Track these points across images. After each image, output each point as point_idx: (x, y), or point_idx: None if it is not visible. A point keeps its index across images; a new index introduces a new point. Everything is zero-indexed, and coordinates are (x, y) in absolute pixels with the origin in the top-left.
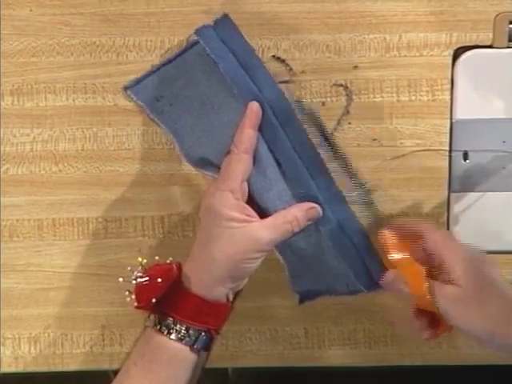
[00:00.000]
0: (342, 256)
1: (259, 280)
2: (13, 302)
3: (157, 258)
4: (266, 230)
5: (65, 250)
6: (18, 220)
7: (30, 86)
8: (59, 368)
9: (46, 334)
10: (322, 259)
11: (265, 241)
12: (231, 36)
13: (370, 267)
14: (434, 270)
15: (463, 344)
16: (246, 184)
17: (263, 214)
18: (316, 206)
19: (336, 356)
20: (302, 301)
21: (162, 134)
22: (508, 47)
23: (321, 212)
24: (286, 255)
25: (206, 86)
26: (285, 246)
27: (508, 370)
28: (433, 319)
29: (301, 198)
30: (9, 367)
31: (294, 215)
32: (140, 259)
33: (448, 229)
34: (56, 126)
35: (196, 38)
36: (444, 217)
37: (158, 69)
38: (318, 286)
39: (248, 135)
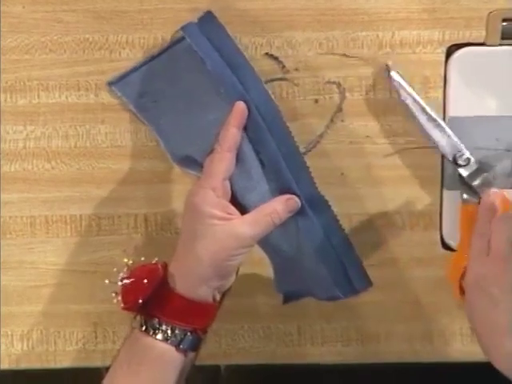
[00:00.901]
0: (322, 261)
1: (252, 277)
2: (5, 299)
3: (142, 258)
4: (246, 226)
5: (57, 247)
6: (10, 217)
7: (22, 83)
8: (52, 365)
9: (39, 331)
10: (303, 263)
11: (246, 236)
12: (216, 33)
13: (349, 273)
14: None
15: (456, 341)
16: (228, 182)
17: (245, 212)
18: (294, 197)
19: (329, 353)
20: (285, 301)
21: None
22: (501, 45)
23: (299, 203)
24: (271, 256)
25: (190, 84)
26: (269, 247)
27: None
28: None
29: None
30: (2, 364)
31: (273, 207)
32: (126, 260)
33: (440, 226)
34: (49, 123)
35: (181, 34)
36: (437, 214)
37: (142, 65)
38: (299, 288)
39: (232, 134)
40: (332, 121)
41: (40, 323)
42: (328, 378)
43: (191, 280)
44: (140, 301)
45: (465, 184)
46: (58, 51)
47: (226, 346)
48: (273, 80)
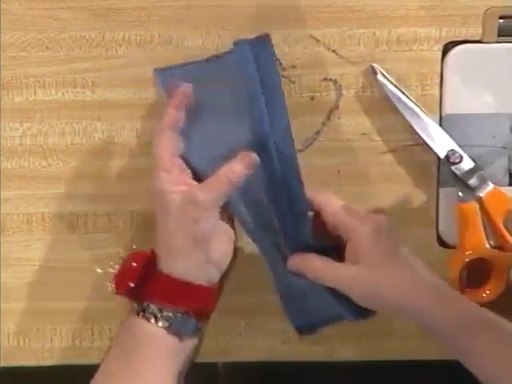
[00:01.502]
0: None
1: (250, 275)
2: (2, 296)
3: (134, 246)
4: (204, 191)
5: (54, 244)
6: (8, 214)
7: (19, 81)
8: (48, 362)
9: (35, 329)
10: (312, 286)
11: (204, 200)
12: (266, 58)
13: None
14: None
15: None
16: (178, 159)
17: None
18: (250, 153)
19: (326, 351)
20: (301, 333)
21: (152, 129)
22: (497, 42)
23: (257, 158)
24: (280, 287)
25: (222, 97)
26: (279, 275)
27: None
28: None
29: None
30: None
31: (229, 167)
32: (118, 250)
33: (437, 224)
34: (45, 120)
35: (233, 49)
36: (433, 211)
37: (190, 64)
38: (315, 316)
39: (170, 114)
40: (328, 118)
41: (36, 320)
42: (325, 376)
43: (174, 258)
44: (131, 284)
45: (460, 182)
46: (55, 48)
47: (223, 344)
48: None
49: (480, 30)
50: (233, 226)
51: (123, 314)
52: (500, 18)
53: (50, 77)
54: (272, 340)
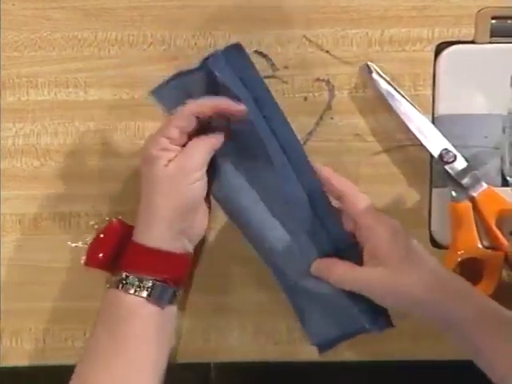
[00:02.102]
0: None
1: (242, 274)
2: None
3: (106, 218)
4: (188, 156)
5: (46, 244)
6: (0, 214)
7: (11, 81)
8: (41, 362)
9: (28, 329)
10: (319, 293)
11: (193, 165)
12: (243, 65)
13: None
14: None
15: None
16: (185, 137)
17: None
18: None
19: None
20: (321, 351)
21: (145, 129)
22: (490, 43)
23: (240, 107)
24: (296, 302)
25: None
26: (291, 289)
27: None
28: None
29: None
30: None
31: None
32: (92, 223)
33: (429, 224)
34: (38, 120)
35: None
36: (425, 212)
37: (182, 74)
38: (333, 330)
39: (212, 105)
40: (321, 118)
41: (29, 320)
42: (318, 376)
43: (154, 227)
44: (100, 255)
45: (454, 181)
46: (47, 48)
47: (215, 344)
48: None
49: (472, 31)
50: (208, 201)
51: None
52: (492, 18)
53: (42, 77)
54: (265, 340)
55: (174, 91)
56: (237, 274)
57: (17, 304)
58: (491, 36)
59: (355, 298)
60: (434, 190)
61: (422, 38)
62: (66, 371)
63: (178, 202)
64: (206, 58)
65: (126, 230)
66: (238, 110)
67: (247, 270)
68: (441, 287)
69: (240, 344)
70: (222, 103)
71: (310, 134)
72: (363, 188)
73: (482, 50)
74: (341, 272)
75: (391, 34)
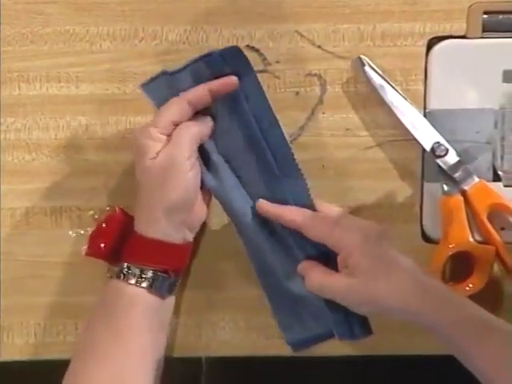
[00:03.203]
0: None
1: (233, 269)
2: None
3: (107, 208)
4: (179, 146)
5: (38, 239)
6: None
7: (3, 75)
8: (32, 357)
9: (20, 323)
10: (307, 299)
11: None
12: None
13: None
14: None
15: None
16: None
17: None
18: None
19: None
20: (295, 349)
21: (136, 124)
22: (482, 37)
23: (231, 80)
24: (273, 300)
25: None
26: (273, 288)
27: None
28: None
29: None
30: None
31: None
32: (92, 212)
33: (421, 219)
34: (29, 114)
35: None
36: (417, 207)
37: (175, 72)
38: (308, 332)
39: (202, 92)
40: (313, 113)
41: (20, 315)
42: (309, 370)
43: (154, 218)
44: (102, 245)
45: (445, 175)
46: (39, 43)
47: (206, 338)
48: None
49: (464, 26)
50: (208, 192)
51: None
52: (484, 13)
53: (34, 71)
54: (256, 335)
55: (163, 87)
56: (229, 269)
57: (7, 298)
58: (483, 31)
59: (331, 304)
60: (426, 185)
61: (413, 32)
62: (58, 366)
63: (173, 193)
64: (204, 56)
65: (128, 220)
66: (230, 84)
67: (239, 265)
68: (419, 296)
69: (232, 339)
70: (214, 84)
71: (302, 128)
72: (355, 183)
73: (474, 44)
74: (315, 279)
75: (383, 28)
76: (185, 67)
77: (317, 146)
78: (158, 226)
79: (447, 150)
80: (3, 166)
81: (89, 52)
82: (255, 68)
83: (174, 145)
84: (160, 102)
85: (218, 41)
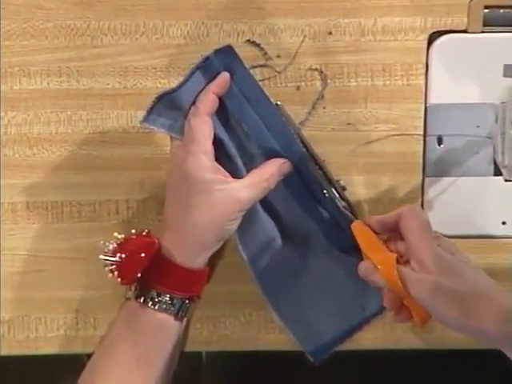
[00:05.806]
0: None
1: (234, 264)
2: None
3: (133, 231)
4: (245, 190)
5: (39, 233)
6: None
7: (3, 70)
8: (33, 351)
9: (20, 318)
10: (330, 284)
11: (246, 200)
12: (235, 67)
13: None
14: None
15: (436, 328)
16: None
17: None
18: (286, 160)
19: None
20: (316, 359)
21: (137, 118)
22: (482, 32)
23: (291, 166)
24: (286, 316)
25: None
26: (284, 305)
27: (482, 355)
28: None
29: None
30: None
31: (269, 173)
32: (116, 234)
33: None
34: (30, 109)
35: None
36: (418, 201)
37: (167, 93)
38: (325, 338)
39: (211, 99)
40: (314, 108)
41: (21, 310)
42: (309, 365)
43: (191, 249)
44: (138, 275)
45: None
46: (40, 37)
47: (207, 333)
48: (254, 67)
49: (465, 20)
50: None
51: (108, 304)
52: (485, 7)
53: (34, 66)
54: (256, 330)
55: (165, 111)
56: (229, 264)
57: (8, 293)
58: (484, 25)
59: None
60: (427, 180)
61: (414, 27)
62: (59, 360)
63: (220, 231)
64: (204, 60)
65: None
66: (224, 80)
67: (240, 261)
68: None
69: (232, 333)
70: (213, 86)
71: (303, 123)
72: (355, 178)
73: (475, 39)
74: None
75: (384, 23)
76: (185, 81)
77: (318, 140)
78: (190, 254)
79: (448, 146)
80: (4, 161)
81: (90, 46)
82: (256, 63)
83: (248, 187)
84: (170, 125)
85: (218, 35)
